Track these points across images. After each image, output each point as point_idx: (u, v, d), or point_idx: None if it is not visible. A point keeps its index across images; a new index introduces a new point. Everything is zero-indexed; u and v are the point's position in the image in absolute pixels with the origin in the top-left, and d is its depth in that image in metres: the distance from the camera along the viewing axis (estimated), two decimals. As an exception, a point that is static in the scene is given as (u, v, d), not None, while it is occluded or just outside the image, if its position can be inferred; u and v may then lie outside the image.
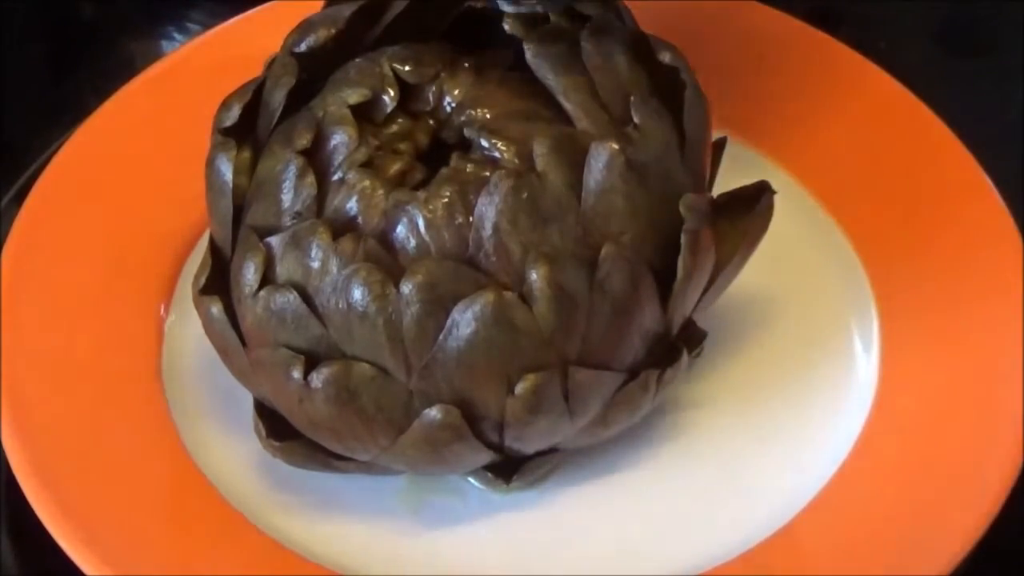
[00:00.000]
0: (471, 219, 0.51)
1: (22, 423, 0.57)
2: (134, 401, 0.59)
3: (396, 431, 0.52)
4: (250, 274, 0.53)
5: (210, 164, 0.55)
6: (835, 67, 0.68)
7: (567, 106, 0.53)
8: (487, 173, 0.51)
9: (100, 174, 0.65)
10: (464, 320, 0.50)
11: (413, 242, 0.51)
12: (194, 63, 0.68)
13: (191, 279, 0.56)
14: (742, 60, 0.67)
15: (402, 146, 0.54)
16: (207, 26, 0.72)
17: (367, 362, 0.51)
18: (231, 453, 0.58)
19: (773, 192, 0.57)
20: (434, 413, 0.52)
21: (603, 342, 0.52)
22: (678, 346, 0.54)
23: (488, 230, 0.51)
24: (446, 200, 0.51)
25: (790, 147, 0.66)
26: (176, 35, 0.77)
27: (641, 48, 0.55)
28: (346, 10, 0.55)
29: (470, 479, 0.57)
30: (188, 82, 0.67)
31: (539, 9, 0.53)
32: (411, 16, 0.56)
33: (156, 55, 0.75)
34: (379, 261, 0.51)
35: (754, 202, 0.57)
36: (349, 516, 0.57)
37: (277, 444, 0.55)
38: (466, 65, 0.55)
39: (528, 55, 0.53)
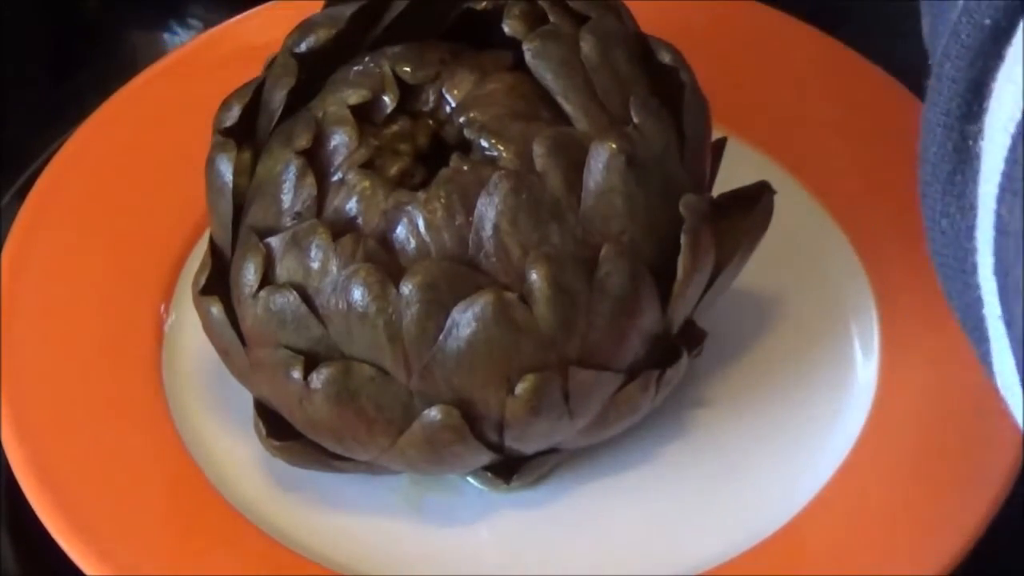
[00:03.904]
0: (471, 219, 0.51)
1: (22, 423, 0.57)
2: (134, 401, 0.59)
3: (396, 432, 0.52)
4: (250, 274, 0.53)
5: (210, 164, 0.55)
6: (835, 67, 0.68)
7: (566, 107, 0.53)
8: (487, 174, 0.51)
9: (100, 174, 0.65)
10: (464, 320, 0.50)
11: (413, 243, 0.51)
12: (194, 63, 0.68)
13: (191, 279, 0.56)
14: (742, 60, 0.67)
15: (402, 147, 0.54)
16: (208, 20, 0.72)
17: (367, 362, 0.51)
18: (231, 453, 0.58)
19: (773, 192, 0.57)
20: (434, 414, 0.52)
21: (603, 342, 0.52)
22: (678, 346, 0.55)
23: (488, 230, 0.51)
24: (446, 200, 0.51)
25: (790, 147, 0.66)
26: (178, 28, 0.77)
27: (641, 48, 0.55)
28: (346, 10, 0.55)
29: (470, 479, 0.57)
30: (188, 82, 0.67)
31: None
32: (411, 16, 0.56)
33: (158, 48, 0.75)
34: (379, 261, 0.51)
35: (754, 202, 0.57)
36: (349, 515, 0.57)
37: (277, 444, 0.55)
38: (466, 66, 0.55)
39: (527, 56, 0.53)
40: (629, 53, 0.55)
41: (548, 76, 0.53)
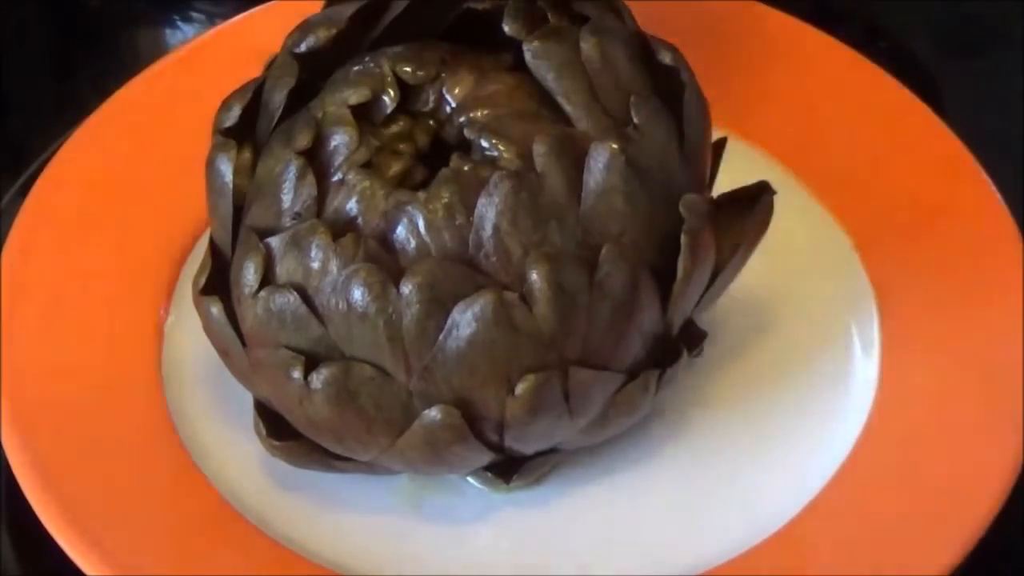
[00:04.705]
0: (471, 219, 0.51)
1: (22, 423, 0.57)
2: (134, 401, 0.59)
3: (396, 432, 0.52)
4: (250, 275, 0.53)
5: (210, 165, 0.55)
6: (835, 67, 0.68)
7: (567, 107, 0.53)
8: (487, 174, 0.51)
9: (100, 174, 0.65)
10: (464, 320, 0.50)
11: (413, 243, 0.51)
12: (194, 63, 0.68)
13: (191, 279, 0.56)
14: (742, 60, 0.67)
15: (402, 147, 0.54)
16: (211, 15, 0.72)
17: (367, 363, 0.51)
18: (231, 453, 0.58)
19: (773, 192, 0.57)
20: (434, 414, 0.52)
21: (603, 342, 0.52)
22: (678, 346, 0.55)
23: (488, 230, 0.51)
24: (446, 200, 0.51)
25: (790, 147, 0.66)
26: (180, 24, 0.77)
27: (641, 48, 0.55)
28: (346, 10, 0.55)
29: (470, 479, 0.57)
30: (188, 82, 0.67)
31: None
32: (411, 16, 0.56)
33: (160, 45, 0.75)
34: (379, 262, 0.51)
35: (754, 202, 0.57)
36: (349, 516, 0.57)
37: (277, 444, 0.55)
38: (466, 66, 0.55)
39: (528, 56, 0.53)
40: (630, 53, 0.55)
41: (549, 77, 0.53)
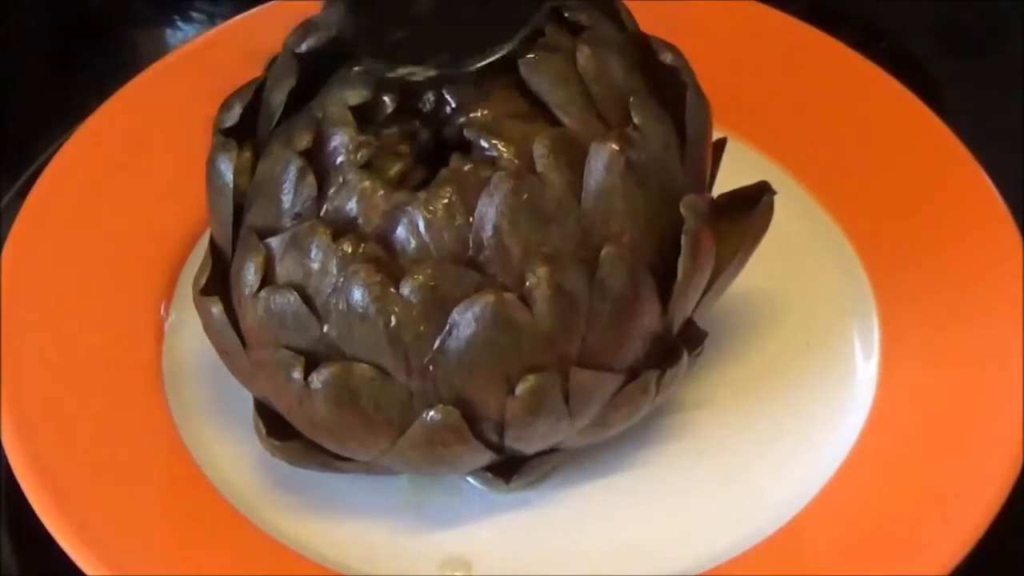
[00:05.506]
0: (471, 220, 0.51)
1: (22, 423, 0.57)
2: (134, 401, 0.59)
3: (396, 432, 0.52)
4: (250, 275, 0.53)
5: (211, 164, 0.55)
6: (835, 67, 0.68)
7: (564, 119, 0.53)
8: (487, 174, 0.51)
9: (101, 174, 0.65)
10: (464, 321, 0.50)
11: (413, 243, 0.51)
12: (195, 63, 0.68)
13: (191, 279, 0.56)
14: (742, 60, 0.67)
15: (402, 147, 0.54)
16: (211, 15, 0.72)
17: (367, 363, 0.51)
18: (231, 453, 0.58)
19: (773, 192, 0.57)
20: (434, 414, 0.52)
21: (603, 343, 0.52)
22: (678, 347, 0.55)
23: (488, 231, 0.51)
24: (446, 201, 0.51)
25: (790, 147, 0.66)
26: (181, 24, 0.77)
27: (641, 50, 0.55)
28: (346, 10, 0.55)
29: (470, 479, 0.57)
30: (189, 82, 0.67)
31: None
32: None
33: (161, 44, 0.75)
34: (379, 262, 0.51)
35: (754, 202, 0.57)
36: (349, 516, 0.57)
37: (277, 443, 0.55)
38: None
39: (522, 70, 0.53)
40: (626, 60, 0.54)
41: (544, 89, 0.53)
